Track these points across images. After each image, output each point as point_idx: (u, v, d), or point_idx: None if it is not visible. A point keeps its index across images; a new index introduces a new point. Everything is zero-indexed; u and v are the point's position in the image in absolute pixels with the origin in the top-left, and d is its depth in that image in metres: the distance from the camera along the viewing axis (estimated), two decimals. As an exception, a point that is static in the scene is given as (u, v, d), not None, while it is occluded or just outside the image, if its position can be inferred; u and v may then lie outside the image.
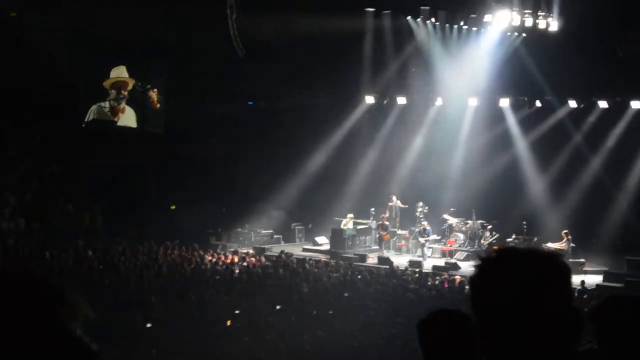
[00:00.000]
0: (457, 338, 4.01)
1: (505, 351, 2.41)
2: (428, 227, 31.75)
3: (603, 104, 32.41)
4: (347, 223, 33.50)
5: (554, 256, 2.50)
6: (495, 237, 31.74)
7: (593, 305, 4.50)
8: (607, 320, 4.29)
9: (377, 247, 33.13)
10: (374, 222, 33.89)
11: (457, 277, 25.62)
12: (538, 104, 33.81)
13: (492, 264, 2.50)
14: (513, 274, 2.43)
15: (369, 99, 36.90)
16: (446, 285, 23.98)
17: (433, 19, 34.57)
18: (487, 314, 2.45)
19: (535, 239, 30.47)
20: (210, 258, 27.80)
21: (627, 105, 32.00)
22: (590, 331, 4.34)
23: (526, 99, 34.17)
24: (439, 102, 35.87)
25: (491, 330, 2.43)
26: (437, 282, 24.92)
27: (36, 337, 2.07)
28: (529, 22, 31.81)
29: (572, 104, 32.96)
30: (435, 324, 4.25)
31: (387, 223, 32.81)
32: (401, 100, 36.35)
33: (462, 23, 34.33)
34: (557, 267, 2.47)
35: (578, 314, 2.46)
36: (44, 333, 2.08)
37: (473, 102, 35.09)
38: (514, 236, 31.01)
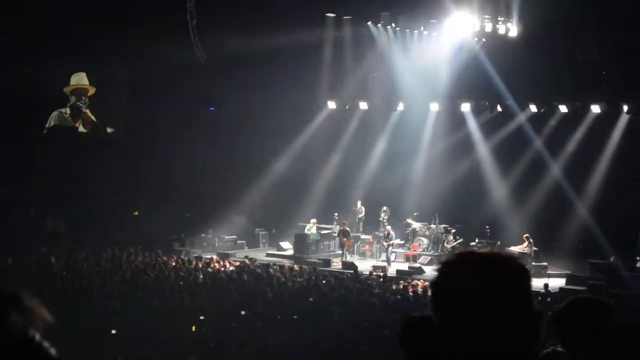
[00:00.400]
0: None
1: (465, 354, 2.43)
2: (392, 232, 31.79)
3: (563, 109, 32.65)
4: (311, 228, 33.53)
5: (513, 259, 2.53)
6: (458, 241, 31.89)
7: (556, 308, 4.58)
8: (570, 322, 4.38)
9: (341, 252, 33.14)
10: (337, 227, 33.93)
11: (421, 282, 25.71)
12: (499, 108, 33.96)
13: (452, 267, 2.53)
14: (473, 277, 2.45)
15: (331, 104, 36.95)
16: (410, 290, 24.03)
17: (393, 24, 34.73)
18: (447, 317, 2.47)
19: (499, 242, 30.64)
20: (174, 264, 27.67)
21: (587, 110, 32.19)
22: (554, 333, 4.43)
23: (487, 103, 34.36)
24: (400, 107, 36.01)
25: (451, 333, 2.45)
26: (401, 286, 24.98)
27: None
28: (488, 27, 32.09)
29: (533, 108, 33.15)
30: (424, 329, 4.28)
31: (348, 229, 32.83)
32: (363, 105, 36.44)
33: (422, 28, 34.50)
34: (516, 270, 2.50)
35: (538, 316, 2.48)
36: None
37: (434, 107, 35.27)
38: (477, 240, 31.14)
